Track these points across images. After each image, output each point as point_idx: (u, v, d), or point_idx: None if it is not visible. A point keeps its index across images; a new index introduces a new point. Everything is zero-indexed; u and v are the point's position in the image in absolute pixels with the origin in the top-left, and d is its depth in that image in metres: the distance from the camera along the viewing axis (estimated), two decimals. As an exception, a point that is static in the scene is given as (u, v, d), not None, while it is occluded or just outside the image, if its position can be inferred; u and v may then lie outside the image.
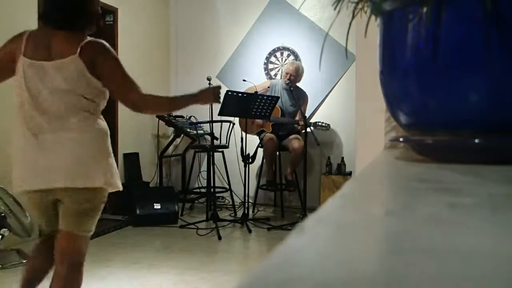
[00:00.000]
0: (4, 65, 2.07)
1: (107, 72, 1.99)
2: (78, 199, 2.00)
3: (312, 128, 4.72)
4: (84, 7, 2.01)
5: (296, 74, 5.00)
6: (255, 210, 5.20)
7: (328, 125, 4.98)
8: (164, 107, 2.35)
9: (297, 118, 4.98)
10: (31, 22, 4.05)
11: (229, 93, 4.27)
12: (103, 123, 2.11)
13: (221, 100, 2.44)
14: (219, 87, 2.33)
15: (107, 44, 2.04)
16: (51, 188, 1.99)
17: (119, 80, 2.04)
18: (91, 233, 2.19)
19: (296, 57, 5.54)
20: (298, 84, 5.08)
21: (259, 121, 4.92)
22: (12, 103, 2.18)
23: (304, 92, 5.11)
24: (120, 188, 2.16)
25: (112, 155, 2.19)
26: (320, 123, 4.95)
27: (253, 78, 5.12)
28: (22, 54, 1.97)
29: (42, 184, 1.98)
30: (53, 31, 1.97)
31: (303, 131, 4.70)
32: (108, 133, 2.17)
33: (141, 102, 2.11)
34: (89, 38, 2.00)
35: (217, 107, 4.14)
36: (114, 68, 2.01)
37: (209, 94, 2.26)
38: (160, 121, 5.41)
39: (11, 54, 2.02)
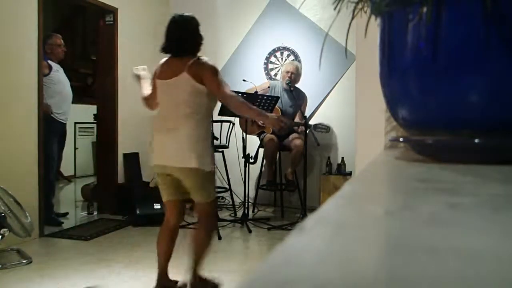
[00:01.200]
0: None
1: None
2: None
3: (313, 131, 4.72)
4: (195, 41, 2.80)
5: (296, 73, 5.00)
6: (255, 210, 5.20)
7: (328, 127, 4.97)
8: (242, 108, 2.84)
9: (296, 118, 4.98)
10: (28, 22, 4.05)
11: (229, 93, 4.27)
12: None
13: (283, 129, 2.95)
14: (286, 120, 2.89)
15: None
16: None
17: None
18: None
19: (296, 57, 5.54)
20: (297, 85, 5.08)
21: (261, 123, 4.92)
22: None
23: (303, 93, 5.10)
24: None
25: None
26: (320, 126, 4.95)
27: (253, 78, 5.12)
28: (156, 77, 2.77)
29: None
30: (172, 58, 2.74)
31: (303, 131, 4.70)
32: None
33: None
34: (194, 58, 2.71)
35: (217, 107, 4.13)
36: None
37: (275, 120, 2.87)
38: (160, 121, 5.40)
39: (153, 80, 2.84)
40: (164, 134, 2.66)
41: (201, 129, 2.65)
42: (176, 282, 2.89)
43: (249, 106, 2.84)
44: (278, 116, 2.82)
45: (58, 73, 4.74)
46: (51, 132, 4.49)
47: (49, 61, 4.62)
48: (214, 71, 2.70)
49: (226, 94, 2.70)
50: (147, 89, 2.90)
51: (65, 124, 4.87)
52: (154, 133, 2.73)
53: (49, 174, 4.48)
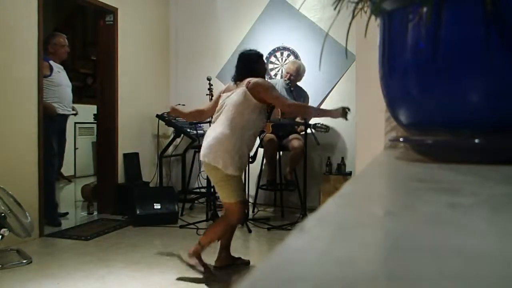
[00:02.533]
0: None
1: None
2: None
3: (313, 130, 4.72)
4: (259, 71, 3.30)
5: (296, 74, 4.99)
6: (255, 210, 5.20)
7: (328, 127, 4.97)
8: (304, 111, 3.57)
9: (297, 118, 4.97)
10: (28, 22, 4.04)
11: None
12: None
13: (349, 117, 3.10)
14: (348, 108, 3.05)
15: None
16: None
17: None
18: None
19: (296, 57, 5.53)
20: (299, 84, 5.07)
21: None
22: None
23: (305, 92, 5.10)
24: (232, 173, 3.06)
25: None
26: (319, 125, 4.95)
27: (253, 78, 5.11)
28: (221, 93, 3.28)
29: None
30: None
31: (302, 132, 4.70)
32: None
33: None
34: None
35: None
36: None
37: (339, 112, 3.07)
38: (160, 121, 5.41)
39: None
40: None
41: (232, 135, 3.02)
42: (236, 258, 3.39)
43: (307, 107, 3.88)
44: (341, 107, 3.09)
45: (60, 75, 4.64)
46: (50, 129, 4.42)
47: (51, 62, 4.53)
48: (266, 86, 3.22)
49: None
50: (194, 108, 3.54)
51: (66, 117, 4.77)
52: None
53: (50, 173, 4.42)
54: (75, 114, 5.19)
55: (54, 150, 4.54)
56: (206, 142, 3.05)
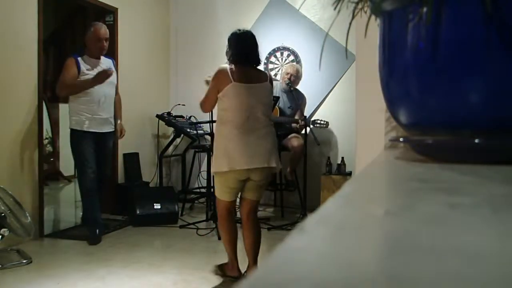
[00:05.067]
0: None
1: None
2: None
3: (311, 126, 4.72)
4: (259, 53, 3.05)
5: (296, 75, 5.00)
6: (255, 210, 5.19)
7: (327, 122, 4.98)
8: None
9: (296, 118, 4.98)
10: (28, 22, 4.04)
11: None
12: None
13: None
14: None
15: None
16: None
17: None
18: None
19: (296, 57, 5.54)
20: (296, 86, 5.08)
21: None
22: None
23: (302, 94, 5.10)
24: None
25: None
26: (319, 121, 4.96)
27: (253, 78, 5.12)
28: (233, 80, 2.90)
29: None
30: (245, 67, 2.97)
31: (303, 131, 4.69)
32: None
33: None
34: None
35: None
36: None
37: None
38: (160, 121, 5.41)
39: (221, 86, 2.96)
40: (249, 135, 2.85)
41: (273, 131, 2.97)
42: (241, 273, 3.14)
43: None
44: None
45: (90, 73, 3.91)
46: (77, 138, 3.95)
47: (80, 58, 3.92)
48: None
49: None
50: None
51: (100, 135, 4.03)
52: (235, 134, 2.84)
53: (82, 183, 3.99)
54: (115, 133, 4.26)
55: (88, 160, 3.94)
56: (259, 146, 2.86)
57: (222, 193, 2.99)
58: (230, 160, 2.83)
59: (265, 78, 3.01)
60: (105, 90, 3.97)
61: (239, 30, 3.08)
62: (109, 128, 4.15)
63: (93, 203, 4.05)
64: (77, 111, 3.95)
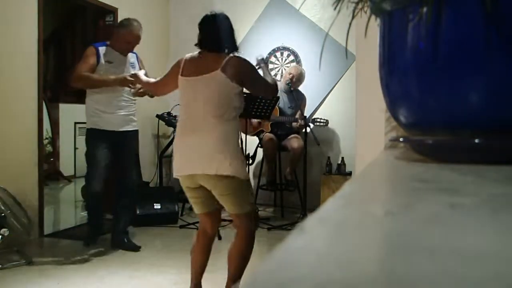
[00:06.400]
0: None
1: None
2: None
3: (311, 124, 4.73)
4: (233, 37, 2.62)
5: (299, 78, 5.01)
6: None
7: (327, 120, 4.99)
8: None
9: (296, 117, 4.99)
10: (28, 22, 4.04)
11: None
12: None
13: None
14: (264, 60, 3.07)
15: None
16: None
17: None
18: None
19: (296, 57, 5.54)
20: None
21: (254, 122, 4.92)
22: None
23: (302, 94, 5.11)
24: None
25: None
26: (319, 119, 4.97)
27: (253, 78, 5.11)
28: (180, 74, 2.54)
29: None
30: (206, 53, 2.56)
31: (303, 130, 4.70)
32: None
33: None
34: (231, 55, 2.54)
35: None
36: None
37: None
38: (160, 121, 5.40)
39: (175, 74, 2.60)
40: (189, 137, 2.46)
41: (221, 132, 2.44)
42: None
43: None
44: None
45: (112, 70, 3.61)
46: (93, 138, 3.67)
47: (101, 48, 3.63)
48: (252, 68, 2.63)
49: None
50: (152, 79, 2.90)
51: (117, 133, 3.68)
52: (177, 137, 2.55)
53: (90, 185, 3.71)
54: (132, 133, 3.88)
55: (99, 162, 3.66)
56: (198, 150, 2.45)
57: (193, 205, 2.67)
58: (175, 164, 2.52)
59: (217, 66, 2.45)
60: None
61: (210, 12, 2.67)
62: (129, 127, 3.79)
63: (96, 209, 3.85)
64: (93, 109, 3.63)
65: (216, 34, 2.57)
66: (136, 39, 3.65)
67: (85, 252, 3.73)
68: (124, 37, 3.61)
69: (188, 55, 2.61)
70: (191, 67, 2.53)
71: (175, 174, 2.54)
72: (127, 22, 3.66)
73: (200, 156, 2.41)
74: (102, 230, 3.97)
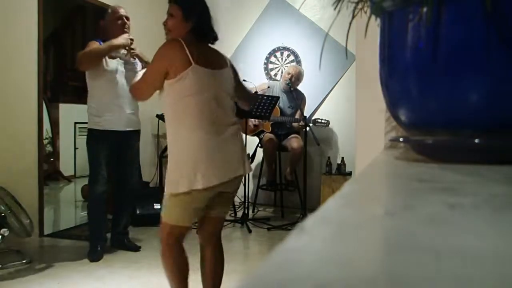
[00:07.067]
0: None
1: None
2: None
3: (311, 125, 4.73)
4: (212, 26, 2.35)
5: (298, 77, 5.02)
6: (255, 210, 5.20)
7: (328, 121, 4.99)
8: None
9: (296, 117, 4.99)
10: (28, 22, 4.04)
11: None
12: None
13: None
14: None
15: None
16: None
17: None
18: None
19: (296, 57, 5.54)
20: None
21: (250, 126, 4.92)
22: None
23: (302, 93, 5.12)
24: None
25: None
26: (319, 120, 4.97)
27: (253, 78, 5.12)
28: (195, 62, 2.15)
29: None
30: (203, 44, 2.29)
31: (303, 129, 4.70)
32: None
33: None
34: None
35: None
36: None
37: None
38: (160, 121, 5.40)
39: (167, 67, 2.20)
40: (219, 138, 2.17)
41: (240, 129, 2.34)
42: None
43: None
44: None
45: (112, 69, 3.53)
46: (94, 139, 3.56)
47: (102, 43, 3.50)
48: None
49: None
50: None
51: (115, 133, 3.57)
52: (206, 139, 2.18)
53: (93, 190, 3.57)
54: (134, 133, 3.80)
55: (102, 165, 3.56)
56: (232, 150, 2.22)
57: (182, 218, 2.32)
58: (215, 169, 2.14)
59: (226, 63, 2.32)
60: (127, 79, 3.50)
61: None
62: (132, 126, 3.70)
63: (99, 216, 3.64)
64: (94, 107, 3.52)
65: (211, 23, 2.36)
66: (121, 17, 3.58)
67: (85, 252, 3.73)
68: (112, 20, 3.57)
69: (181, 40, 2.23)
70: (202, 57, 2.18)
71: (216, 182, 2.15)
72: (108, 9, 3.68)
73: (239, 156, 2.23)
74: (105, 244, 3.72)
